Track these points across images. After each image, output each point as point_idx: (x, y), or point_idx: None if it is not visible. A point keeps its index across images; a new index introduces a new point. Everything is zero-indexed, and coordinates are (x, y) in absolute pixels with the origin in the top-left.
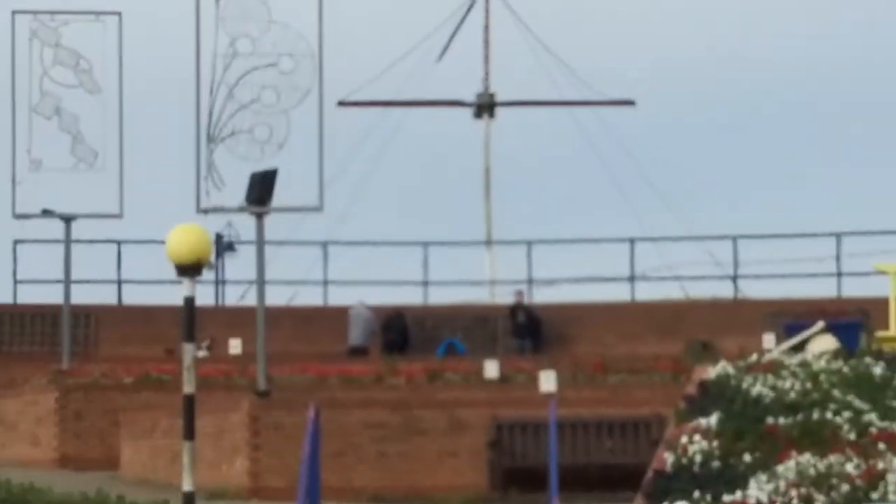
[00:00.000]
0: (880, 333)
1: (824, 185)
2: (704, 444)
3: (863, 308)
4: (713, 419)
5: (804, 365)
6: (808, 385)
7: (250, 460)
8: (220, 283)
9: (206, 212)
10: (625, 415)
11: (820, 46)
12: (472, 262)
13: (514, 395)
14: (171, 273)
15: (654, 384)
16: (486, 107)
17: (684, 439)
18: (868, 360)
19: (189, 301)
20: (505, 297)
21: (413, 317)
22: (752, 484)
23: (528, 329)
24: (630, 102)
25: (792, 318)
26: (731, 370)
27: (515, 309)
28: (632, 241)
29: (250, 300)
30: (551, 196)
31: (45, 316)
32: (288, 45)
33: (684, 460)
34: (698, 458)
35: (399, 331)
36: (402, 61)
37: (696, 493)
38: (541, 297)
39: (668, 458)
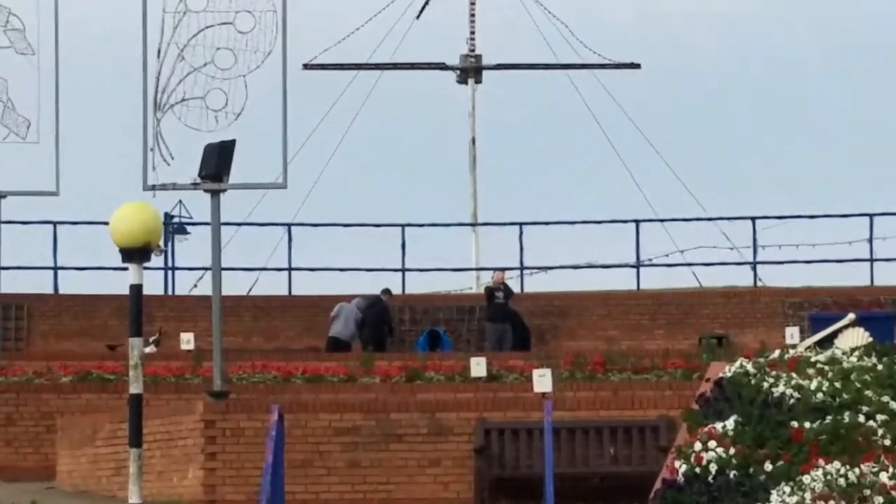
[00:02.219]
0: None
1: (855, 160)
2: (720, 451)
3: None
4: (730, 423)
5: (833, 362)
6: (837, 385)
7: (205, 470)
8: (170, 269)
9: (153, 189)
10: (629, 418)
11: (847, 8)
12: (457, 247)
13: (505, 396)
14: (116, 258)
15: (663, 384)
16: (471, 70)
17: (697, 446)
18: None
19: (136, 290)
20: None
21: (390, 307)
22: (774, 496)
23: (508, 314)
24: (635, 65)
25: (818, 309)
26: (749, 368)
27: (493, 289)
28: (637, 222)
29: (205, 289)
30: (546, 172)
31: None
32: (246, 1)
33: (697, 469)
34: (713, 468)
35: (379, 321)
36: (377, 18)
37: None
38: (534, 286)
39: (680, 466)
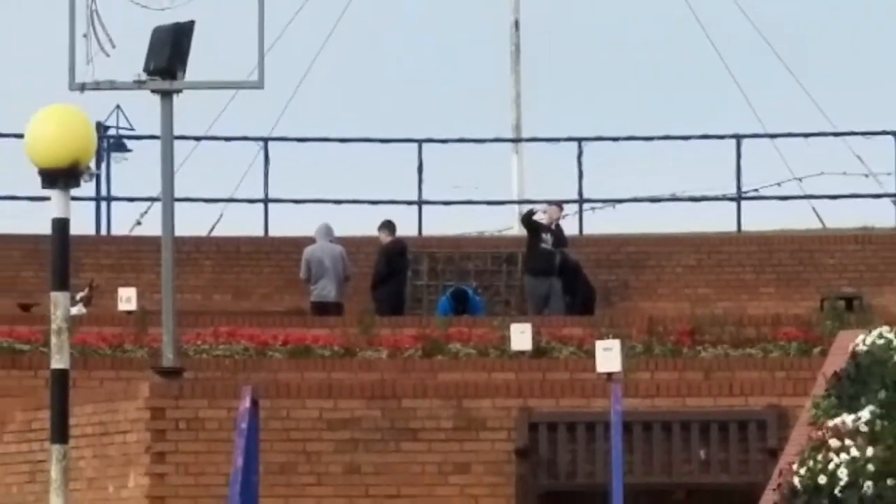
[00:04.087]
0: None
1: None
2: (855, 452)
3: None
4: (865, 414)
5: None
6: None
7: (151, 476)
8: (104, 200)
9: (83, 88)
10: (726, 409)
11: None
12: (493, 170)
13: (557, 378)
14: (32, 185)
15: (772, 362)
16: None
17: (826, 444)
18: None
19: (60, 226)
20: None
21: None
22: None
23: (559, 266)
24: None
25: None
26: (893, 340)
27: (539, 226)
28: (738, 137)
29: (151, 228)
30: (614, 71)
31: None
32: None
33: (822, 479)
34: (844, 475)
35: (397, 271)
36: None
37: None
38: (595, 226)
39: (799, 473)
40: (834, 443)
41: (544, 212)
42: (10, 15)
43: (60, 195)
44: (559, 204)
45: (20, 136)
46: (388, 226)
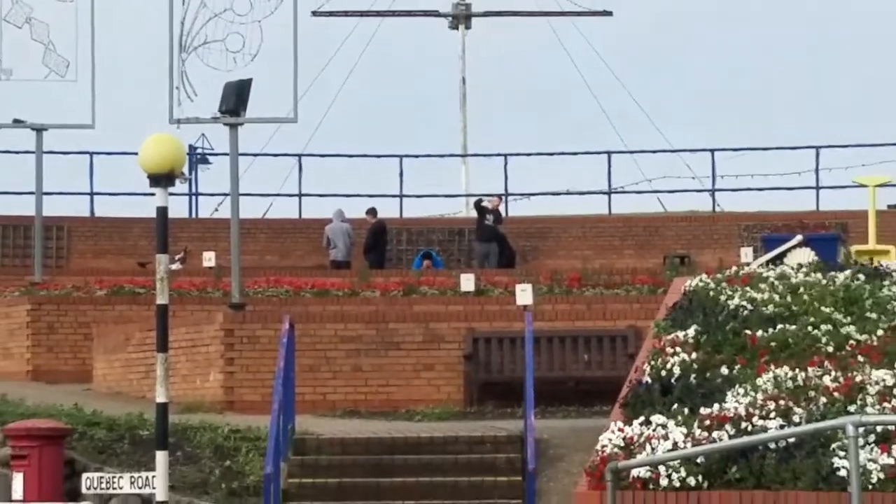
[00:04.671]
0: (857, 247)
1: (802, 97)
2: (683, 356)
3: (841, 221)
4: (691, 332)
5: (782, 277)
6: (787, 298)
7: (224, 373)
8: (193, 195)
9: (178, 123)
10: (601, 328)
11: None
12: (448, 175)
13: (491, 309)
14: (145, 184)
15: (631, 298)
16: (461, 17)
17: (665, 350)
18: (846, 272)
19: (162, 211)
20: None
21: (389, 230)
22: (730, 397)
23: (495, 235)
24: (608, 13)
25: (770, 231)
26: (709, 283)
27: (485, 210)
28: (609, 153)
29: (224, 213)
30: (528, 108)
31: (17, 228)
32: None
33: (663, 372)
34: (677, 371)
35: (380, 242)
36: None
37: (675, 406)
38: (517, 210)
39: (646, 369)
40: (669, 350)
41: (490, 201)
42: (129, 74)
43: (162, 192)
44: (499, 196)
45: (135, 153)
46: (372, 211)
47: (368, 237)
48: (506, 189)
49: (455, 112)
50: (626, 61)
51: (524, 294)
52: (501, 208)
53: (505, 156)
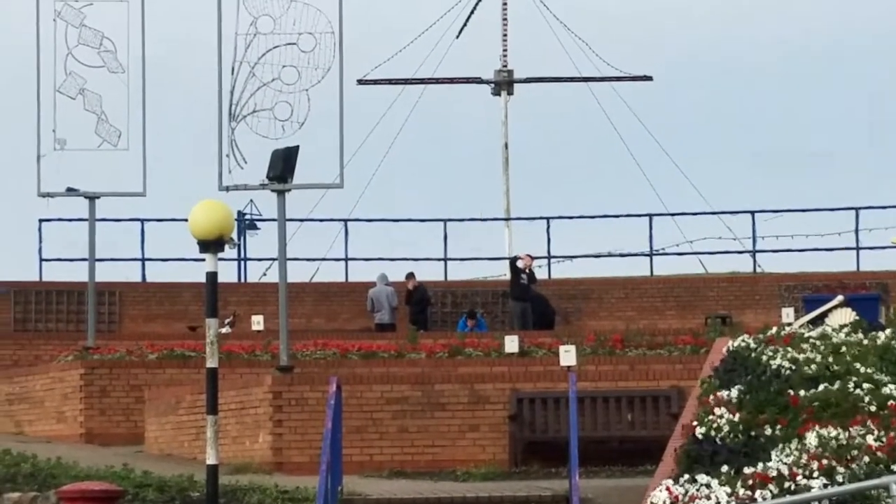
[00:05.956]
0: None
1: (843, 159)
2: (727, 416)
3: (881, 281)
4: (734, 391)
5: (824, 338)
6: (829, 358)
7: (273, 435)
8: (242, 260)
9: (227, 189)
10: (645, 389)
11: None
12: (492, 239)
13: (535, 370)
14: (195, 250)
15: (674, 358)
16: (504, 83)
17: (709, 410)
18: (887, 332)
19: (211, 276)
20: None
21: (434, 293)
22: (774, 456)
23: (530, 295)
24: (647, 78)
25: (811, 291)
26: (751, 343)
27: (520, 269)
28: (650, 216)
29: (273, 277)
30: (570, 172)
31: (70, 293)
32: (308, 24)
33: (708, 432)
34: (721, 431)
35: (421, 303)
36: (421, 39)
37: (719, 466)
38: (560, 272)
39: (691, 429)
40: (713, 410)
41: (522, 260)
42: (179, 143)
43: (212, 257)
44: (531, 255)
45: (185, 220)
46: (411, 275)
47: (413, 304)
48: (548, 251)
49: (498, 175)
50: (665, 124)
51: (568, 355)
52: (544, 271)
53: (547, 219)
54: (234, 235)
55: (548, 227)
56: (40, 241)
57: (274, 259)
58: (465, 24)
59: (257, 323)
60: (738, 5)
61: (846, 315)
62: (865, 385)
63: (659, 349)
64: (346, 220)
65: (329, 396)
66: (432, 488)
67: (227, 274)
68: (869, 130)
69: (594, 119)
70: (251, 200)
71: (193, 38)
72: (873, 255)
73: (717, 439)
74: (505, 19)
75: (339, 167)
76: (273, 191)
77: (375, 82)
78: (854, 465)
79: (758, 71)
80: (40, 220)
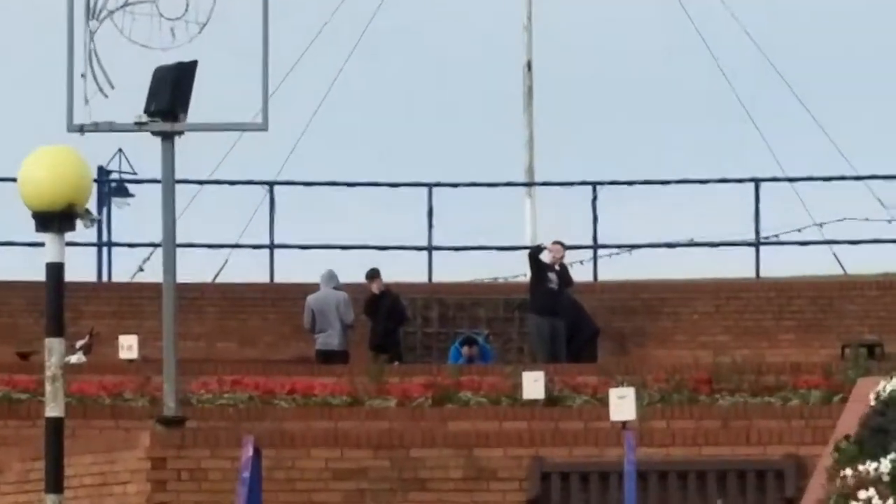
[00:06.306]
0: None
1: None
2: (877, 501)
3: None
4: (886, 463)
5: None
6: None
7: None
8: (105, 246)
9: (82, 130)
10: (744, 459)
11: None
12: (506, 215)
13: (570, 427)
14: (29, 230)
15: (791, 410)
16: None
17: (849, 494)
18: None
19: (55, 271)
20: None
21: (411, 302)
22: None
23: (563, 306)
24: None
25: None
26: None
27: (546, 264)
28: (756, 182)
29: (153, 274)
30: (628, 112)
31: None
32: None
33: None
34: None
35: (391, 318)
36: None
37: None
38: (609, 271)
39: None
40: (861, 493)
41: (550, 250)
42: (7, 54)
43: (55, 239)
44: (562, 243)
45: (13, 179)
46: (374, 273)
47: (378, 319)
48: (594, 237)
49: (517, 116)
50: (779, 41)
51: (623, 404)
52: (587, 269)
53: (593, 184)
54: (93, 206)
55: (594, 199)
56: None
57: (157, 245)
58: None
59: (128, 348)
60: None
61: None
62: None
63: (768, 395)
64: (271, 184)
65: (242, 466)
66: None
67: (82, 268)
68: None
69: (665, 21)
70: (120, 150)
71: None
72: None
73: None
74: None
75: (261, 99)
76: (155, 133)
77: None
78: None
79: None
80: None
